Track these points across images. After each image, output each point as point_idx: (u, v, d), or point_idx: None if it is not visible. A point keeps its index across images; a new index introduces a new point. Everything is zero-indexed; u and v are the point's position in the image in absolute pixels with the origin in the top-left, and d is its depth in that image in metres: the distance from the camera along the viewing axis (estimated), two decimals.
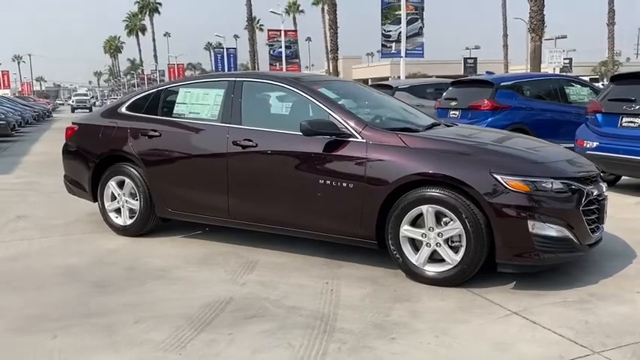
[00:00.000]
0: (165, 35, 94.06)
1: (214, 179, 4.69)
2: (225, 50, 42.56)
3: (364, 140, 4.08)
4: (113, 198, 5.32)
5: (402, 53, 20.97)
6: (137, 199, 5.15)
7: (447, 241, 3.82)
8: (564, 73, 26.27)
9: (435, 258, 3.92)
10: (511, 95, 9.53)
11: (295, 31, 33.56)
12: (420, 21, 21.42)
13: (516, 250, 3.67)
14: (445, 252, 3.82)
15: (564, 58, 48.00)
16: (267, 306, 3.59)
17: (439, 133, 4.42)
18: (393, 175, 3.92)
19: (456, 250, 3.81)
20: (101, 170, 5.36)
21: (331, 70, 29.00)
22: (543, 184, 3.67)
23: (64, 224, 5.84)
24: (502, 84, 9.59)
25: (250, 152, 4.49)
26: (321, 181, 4.19)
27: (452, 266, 3.81)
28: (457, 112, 9.85)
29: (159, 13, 79.28)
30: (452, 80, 11.31)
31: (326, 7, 71.27)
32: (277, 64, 32.25)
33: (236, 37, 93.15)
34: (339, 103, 4.45)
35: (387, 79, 60.71)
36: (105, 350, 3.01)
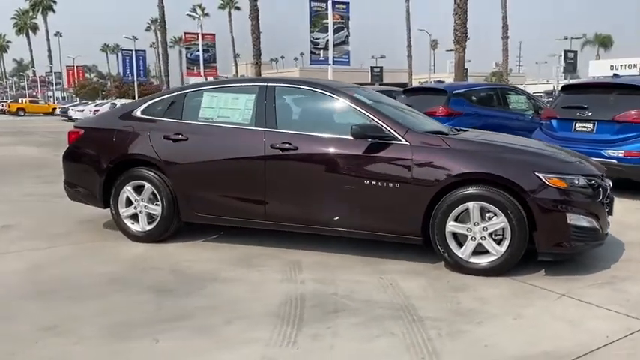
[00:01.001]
0: (56, 35, 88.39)
1: (250, 182, 4.76)
2: (134, 52, 41.06)
3: (408, 143, 4.37)
4: (128, 204, 5.20)
5: (330, 61, 21.52)
6: (158, 204, 5.07)
7: (490, 234, 4.20)
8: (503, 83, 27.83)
9: (476, 250, 4.28)
10: (462, 102, 10.26)
11: (213, 34, 33.22)
12: (345, 30, 22.12)
13: (556, 240, 4.13)
14: (490, 244, 4.20)
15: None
16: (342, 301, 3.76)
17: (471, 137, 4.80)
18: (442, 174, 4.24)
19: (498, 242, 4.20)
20: (114, 175, 5.22)
21: (254, 76, 29.05)
22: (574, 181, 4.17)
23: (63, 233, 5.57)
24: (454, 92, 10.29)
25: (290, 155, 4.62)
26: (367, 182, 4.42)
27: (496, 257, 4.19)
28: None
29: (53, 11, 74.68)
30: (404, 89, 11.93)
31: (232, 10, 70.78)
32: (195, 67, 31.73)
33: (134, 38, 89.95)
34: (378, 108, 4.70)
35: None
36: (219, 350, 3.06)
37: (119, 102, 29.27)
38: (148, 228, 5.14)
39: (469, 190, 4.20)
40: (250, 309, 3.62)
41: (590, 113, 7.60)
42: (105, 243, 5.20)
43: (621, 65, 57.77)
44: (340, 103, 4.73)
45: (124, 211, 5.21)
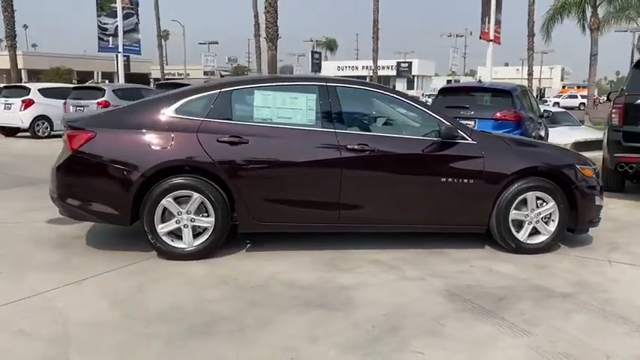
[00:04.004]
0: None
1: (325, 185, 4.63)
2: None
3: (475, 142, 4.85)
4: (165, 218, 4.49)
5: (120, 48, 19.98)
6: (206, 216, 4.51)
7: (542, 218, 4.97)
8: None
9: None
10: None
11: None
12: (135, 16, 20.70)
13: (589, 218, 5.10)
14: (543, 227, 4.96)
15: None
16: (486, 290, 4.05)
17: (516, 138, 5.46)
18: (509, 169, 4.81)
19: (546, 224, 5.00)
20: (147, 186, 4.44)
21: (10, 62, 24.65)
22: (593, 170, 5.20)
23: (61, 261, 4.51)
24: None
25: (369, 157, 4.64)
26: (443, 179, 4.76)
27: (548, 237, 4.98)
28: None
29: None
30: (158, 82, 12.70)
31: None
32: None
33: None
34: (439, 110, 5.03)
35: (7, 71, 53.08)
36: (488, 350, 3.15)
37: None
38: (197, 243, 4.53)
39: (530, 182, 4.88)
40: (431, 310, 3.68)
41: (472, 112, 9.04)
42: (142, 265, 4.41)
43: (346, 66, 66.26)
44: (406, 105, 4.93)
45: (163, 227, 4.48)
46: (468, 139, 4.84)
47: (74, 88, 15.97)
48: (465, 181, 4.79)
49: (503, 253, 4.98)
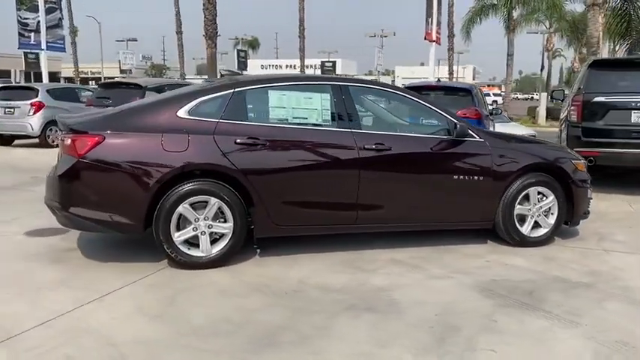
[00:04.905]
0: None
1: (343, 185, 4.56)
2: None
3: (483, 140, 4.96)
4: (180, 225, 4.25)
5: (43, 45, 18.76)
6: (223, 221, 4.32)
7: (543, 212, 5.17)
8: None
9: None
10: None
11: None
12: (59, 11, 19.51)
13: (584, 210, 5.36)
14: (544, 220, 5.17)
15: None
16: (511, 284, 4.15)
17: (518, 137, 5.60)
18: (514, 166, 4.97)
19: (546, 217, 5.21)
20: (162, 192, 4.18)
21: None
22: (584, 164, 5.48)
23: (65, 279, 4.14)
24: (149, 87, 11.05)
25: (385, 156, 4.63)
26: (455, 177, 4.84)
27: (548, 229, 5.18)
28: None
29: None
30: (101, 82, 13.70)
31: None
32: None
33: None
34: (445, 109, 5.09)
35: None
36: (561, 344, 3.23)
37: None
38: (216, 250, 4.32)
39: (532, 177, 5.06)
40: (476, 307, 3.72)
41: None
42: (159, 276, 4.15)
43: (269, 65, 65.83)
44: (416, 104, 4.95)
45: (179, 235, 4.24)
46: (476, 137, 4.95)
47: (2, 88, 14.72)
48: (477, 177, 4.89)
49: (505, 246, 5.13)
